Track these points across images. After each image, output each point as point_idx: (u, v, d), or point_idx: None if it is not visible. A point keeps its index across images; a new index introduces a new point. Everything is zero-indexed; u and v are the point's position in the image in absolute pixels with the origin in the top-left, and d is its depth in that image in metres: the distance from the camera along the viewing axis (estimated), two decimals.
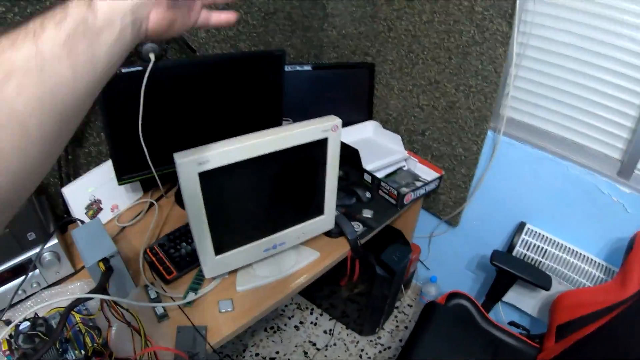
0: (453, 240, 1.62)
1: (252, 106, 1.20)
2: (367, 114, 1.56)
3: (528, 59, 1.24)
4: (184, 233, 1.11)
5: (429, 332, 1.28)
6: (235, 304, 0.96)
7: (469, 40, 1.25)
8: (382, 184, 1.28)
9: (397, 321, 1.82)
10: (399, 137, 1.43)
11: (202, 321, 0.91)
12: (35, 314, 0.83)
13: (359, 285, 1.53)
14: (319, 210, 1.04)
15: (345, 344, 1.73)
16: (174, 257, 1.05)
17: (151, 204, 1.24)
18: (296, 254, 1.07)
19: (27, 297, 0.97)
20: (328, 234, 1.14)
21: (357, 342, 1.73)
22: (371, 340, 1.74)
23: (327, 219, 1.07)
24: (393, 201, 1.27)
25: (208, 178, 0.80)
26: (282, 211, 0.99)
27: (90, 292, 0.79)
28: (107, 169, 1.15)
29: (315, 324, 1.81)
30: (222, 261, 0.94)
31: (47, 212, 1.05)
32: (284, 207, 0.99)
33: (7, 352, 0.81)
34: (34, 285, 0.96)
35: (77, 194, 1.11)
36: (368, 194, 1.29)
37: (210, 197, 0.83)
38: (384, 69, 1.48)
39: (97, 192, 1.15)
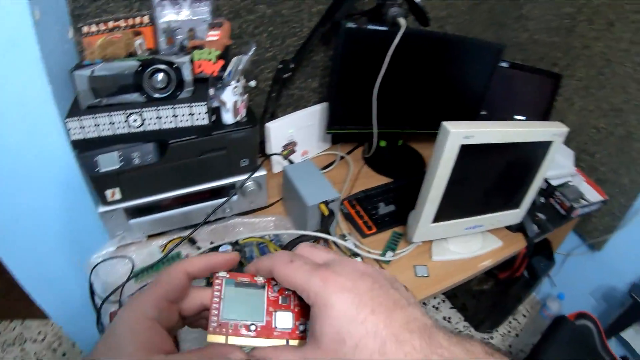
0: (589, 263, 1.64)
1: (457, 91, 1.27)
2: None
3: None
4: (381, 193, 1.19)
5: (555, 343, 1.34)
6: (429, 271, 1.03)
7: None
8: (556, 192, 1.32)
9: (510, 327, 1.88)
10: (572, 153, 1.46)
11: (400, 281, 0.98)
12: (237, 240, 0.92)
13: (487, 284, 1.60)
14: (517, 204, 1.10)
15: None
16: (372, 214, 1.13)
17: (341, 157, 1.33)
18: (482, 238, 1.14)
19: (215, 220, 1.02)
20: (509, 227, 1.19)
21: (471, 337, 1.79)
22: (484, 338, 1.81)
23: (519, 214, 1.12)
24: (563, 212, 1.30)
25: (466, 151, 0.87)
26: (493, 196, 1.05)
27: (317, 231, 0.87)
28: (307, 114, 1.24)
29: (437, 308, 1.91)
30: (435, 229, 1.01)
31: None
32: (496, 193, 1.05)
33: None
34: (227, 210, 1.02)
35: (279, 132, 1.19)
36: (542, 199, 1.33)
37: (458, 168, 0.90)
38: (569, 84, 1.50)
39: (295, 134, 1.24)
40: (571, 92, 1.51)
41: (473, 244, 1.11)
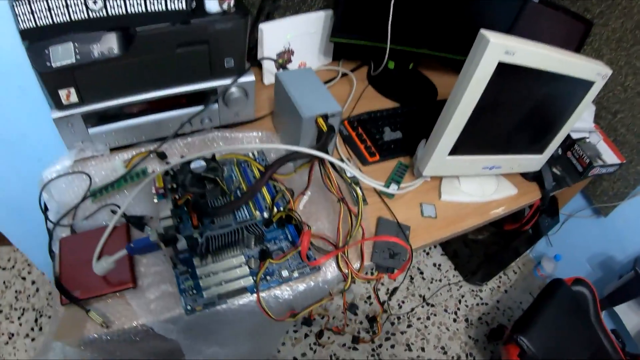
0: (592, 228, 1.46)
1: (484, 18, 1.02)
2: None
3: None
4: (387, 117, 0.98)
5: (551, 305, 1.19)
6: (437, 212, 0.84)
7: None
8: (576, 146, 1.11)
9: (499, 282, 1.72)
10: (593, 107, 1.24)
11: (403, 220, 0.79)
12: (213, 155, 0.71)
13: (482, 233, 1.42)
14: (541, 149, 0.90)
15: (449, 284, 1.66)
16: (376, 139, 0.92)
17: (343, 74, 1.11)
18: (497, 183, 0.94)
19: (191, 132, 0.81)
20: (524, 175, 1.00)
21: (460, 287, 1.65)
22: (473, 290, 1.66)
23: (541, 161, 0.93)
24: (580, 168, 1.10)
25: (502, 71, 0.66)
26: (519, 135, 0.84)
27: (314, 148, 0.66)
28: (309, 19, 0.99)
29: (428, 254, 1.73)
30: (449, 163, 0.80)
31: None
32: (523, 131, 0.84)
33: (160, 191, 0.69)
34: (205, 121, 0.80)
35: (274, 35, 0.95)
36: (560, 151, 1.13)
37: (489, 92, 0.68)
38: (600, 33, 1.26)
39: (293, 41, 0.99)
40: (601, 43, 1.27)
41: (487, 187, 0.91)
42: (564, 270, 1.48)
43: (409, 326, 1.52)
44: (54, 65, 0.62)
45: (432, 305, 1.59)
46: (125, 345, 0.63)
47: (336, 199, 0.68)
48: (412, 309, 1.56)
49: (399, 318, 1.53)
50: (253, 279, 0.62)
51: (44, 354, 0.61)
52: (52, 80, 0.64)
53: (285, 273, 0.63)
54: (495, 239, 1.44)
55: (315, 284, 0.65)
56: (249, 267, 0.63)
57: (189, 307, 0.58)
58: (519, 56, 0.66)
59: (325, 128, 0.68)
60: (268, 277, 0.63)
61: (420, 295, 1.61)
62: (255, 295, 0.61)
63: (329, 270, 0.66)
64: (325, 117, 0.70)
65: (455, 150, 0.78)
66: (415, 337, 1.50)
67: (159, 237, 0.56)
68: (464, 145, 0.77)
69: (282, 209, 0.67)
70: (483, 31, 0.64)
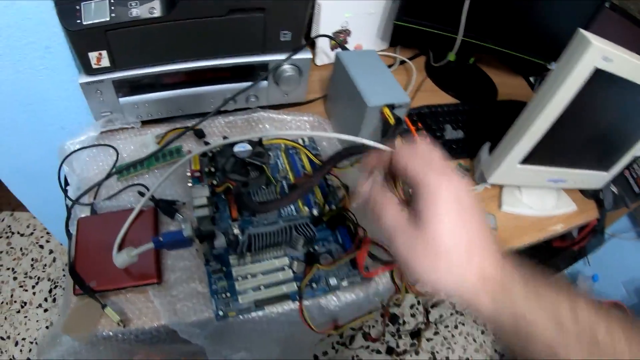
0: (633, 251, 1.35)
1: (555, 18, 0.90)
2: None
3: None
4: (449, 113, 0.86)
5: None
6: (497, 223, 0.74)
7: None
8: (635, 165, 0.99)
9: None
10: None
11: None
12: (260, 139, 0.61)
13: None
14: (607, 166, 0.79)
15: None
16: (437, 137, 0.81)
17: (401, 62, 0.99)
18: (557, 197, 0.83)
19: (234, 110, 0.71)
20: (583, 191, 0.88)
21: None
22: None
23: (604, 178, 0.82)
24: (637, 189, 0.97)
25: (596, 79, 0.56)
26: (592, 150, 0.74)
27: (382, 142, 0.56)
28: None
29: None
30: (519, 172, 0.70)
31: None
32: (596, 147, 0.74)
33: (196, 174, 0.60)
34: (251, 99, 0.70)
35: (332, 13, 0.85)
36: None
37: (578, 100, 0.58)
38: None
39: (351, 21, 0.89)
40: None
41: (548, 201, 0.80)
42: (598, 292, 1.37)
43: (435, 333, 1.44)
44: (85, 23, 0.53)
45: (461, 314, 1.50)
46: (142, 345, 0.54)
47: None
48: (441, 316, 1.48)
49: (426, 324, 1.45)
50: (297, 285, 0.52)
51: (52, 347, 0.52)
52: (82, 41, 0.55)
53: (333, 281, 0.54)
54: (535, 251, 1.32)
55: (365, 295, 0.55)
56: (293, 271, 0.53)
57: (220, 312, 0.49)
58: (615, 64, 0.55)
59: (392, 120, 0.58)
60: (314, 285, 0.53)
61: (450, 303, 1.52)
62: (297, 303, 0.51)
63: (382, 282, 0.57)
64: (392, 108, 0.60)
65: (527, 159, 0.67)
66: (441, 346, 1.42)
67: (194, 232, 0.46)
68: (538, 155, 0.67)
69: (334, 207, 0.58)
70: (583, 31, 0.54)
